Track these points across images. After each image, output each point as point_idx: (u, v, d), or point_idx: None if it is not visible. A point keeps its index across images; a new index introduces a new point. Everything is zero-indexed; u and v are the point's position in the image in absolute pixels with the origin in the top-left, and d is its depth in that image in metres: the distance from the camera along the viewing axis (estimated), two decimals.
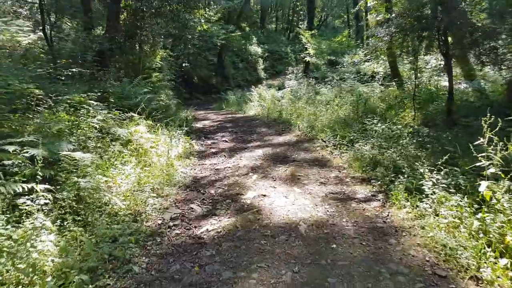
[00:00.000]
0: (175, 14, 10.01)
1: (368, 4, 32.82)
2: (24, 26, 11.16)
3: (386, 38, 6.67)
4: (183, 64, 20.01)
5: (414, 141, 5.62)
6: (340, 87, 11.77)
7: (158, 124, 6.74)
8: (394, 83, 13.06)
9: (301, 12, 30.77)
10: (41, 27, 8.81)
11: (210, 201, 4.41)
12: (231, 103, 15.38)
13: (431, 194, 3.88)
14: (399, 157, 5.03)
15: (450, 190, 3.79)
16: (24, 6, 11.18)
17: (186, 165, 5.97)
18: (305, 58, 21.92)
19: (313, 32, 23.48)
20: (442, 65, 14.47)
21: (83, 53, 7.97)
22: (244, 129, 9.03)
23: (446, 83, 13.16)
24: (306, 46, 21.89)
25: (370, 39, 7.23)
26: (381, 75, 17.54)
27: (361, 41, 29.90)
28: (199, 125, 10.08)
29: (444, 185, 3.88)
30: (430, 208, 3.77)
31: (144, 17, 9.80)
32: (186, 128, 7.79)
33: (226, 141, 7.75)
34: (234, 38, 20.90)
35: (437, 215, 3.66)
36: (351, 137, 6.29)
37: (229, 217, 3.92)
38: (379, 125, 6.51)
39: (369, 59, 21.33)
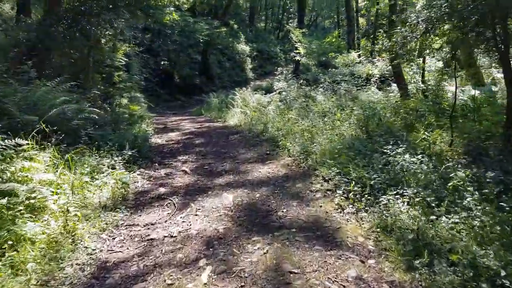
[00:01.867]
0: None
1: (359, 4, 30.19)
2: None
3: (422, 26, 4.18)
4: (162, 62, 17.31)
5: (476, 193, 3.18)
6: (338, 93, 9.30)
7: (69, 155, 4.12)
8: (398, 88, 10.69)
9: (291, 10, 28.22)
10: None
11: None
12: (212, 107, 12.78)
13: None
14: (473, 241, 2.57)
15: None
16: None
17: (101, 230, 3.39)
18: (295, 58, 19.49)
19: (303, 30, 21.04)
20: (447, 69, 12.01)
21: None
22: (216, 149, 6.47)
23: (452, 88, 10.77)
24: (296, 45, 19.43)
25: (401, 28, 4.71)
26: (377, 78, 15.25)
27: (352, 42, 27.63)
28: (161, 140, 7.47)
29: None
30: None
31: None
32: (129, 153, 5.20)
33: (186, 172, 5.18)
34: (219, 35, 18.22)
35: None
36: (371, 180, 3.78)
37: None
38: (407, 156, 4.06)
39: (363, 60, 19.07)
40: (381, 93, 11.42)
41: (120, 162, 4.96)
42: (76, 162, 4.33)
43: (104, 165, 4.66)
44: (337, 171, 4.29)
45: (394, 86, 12.15)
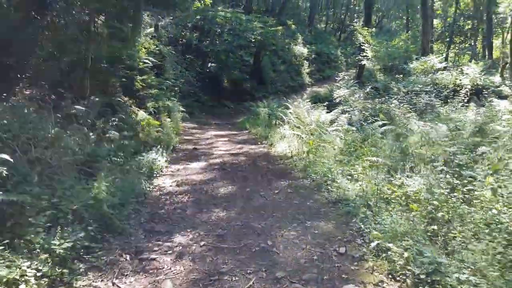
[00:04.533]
0: None
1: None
2: None
3: None
4: (209, 64, 14.79)
5: None
6: (452, 121, 5.78)
7: None
8: None
9: (356, 9, 24.16)
10: None
11: None
12: (259, 121, 9.84)
13: None
14: None
15: None
16: None
17: None
18: (361, 62, 15.78)
19: (372, 30, 17.20)
20: None
21: None
22: (246, 221, 3.44)
23: None
24: (363, 47, 15.71)
25: None
26: (467, 90, 11.20)
27: (426, 44, 22.70)
28: (170, 181, 4.68)
29: None
30: None
31: None
32: (66, 245, 2.44)
33: None
34: (274, 35, 15.19)
35: None
36: None
37: None
38: None
39: (448, 67, 14.76)
40: (483, 110, 7.64)
41: (38, 271, 2.23)
42: None
43: None
44: None
45: (497, 101, 8.36)
